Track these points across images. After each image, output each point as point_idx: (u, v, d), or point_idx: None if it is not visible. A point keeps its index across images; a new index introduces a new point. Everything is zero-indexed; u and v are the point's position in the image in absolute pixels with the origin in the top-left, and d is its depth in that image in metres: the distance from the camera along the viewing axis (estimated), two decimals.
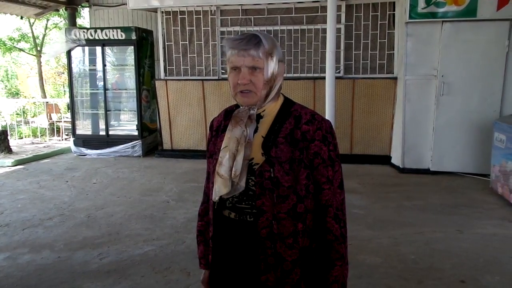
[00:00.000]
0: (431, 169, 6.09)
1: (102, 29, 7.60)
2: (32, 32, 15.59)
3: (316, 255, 1.39)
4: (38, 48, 15.97)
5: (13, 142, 9.11)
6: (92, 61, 7.97)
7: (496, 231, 4.00)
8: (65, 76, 12.93)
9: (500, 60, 5.69)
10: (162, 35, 7.50)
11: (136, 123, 7.82)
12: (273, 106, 1.42)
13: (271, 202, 1.32)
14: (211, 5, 7.16)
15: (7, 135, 8.19)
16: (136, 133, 7.80)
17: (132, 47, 7.56)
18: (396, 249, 3.59)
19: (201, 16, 7.33)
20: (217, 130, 1.51)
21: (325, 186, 1.36)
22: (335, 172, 1.37)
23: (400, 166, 6.27)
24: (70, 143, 8.34)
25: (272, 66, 1.35)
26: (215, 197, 1.37)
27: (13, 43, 16.73)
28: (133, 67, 7.64)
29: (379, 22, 6.78)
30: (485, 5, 5.55)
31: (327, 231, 1.35)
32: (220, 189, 1.35)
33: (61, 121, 10.41)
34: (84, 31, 7.64)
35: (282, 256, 1.34)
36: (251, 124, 1.37)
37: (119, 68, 8.07)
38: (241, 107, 1.40)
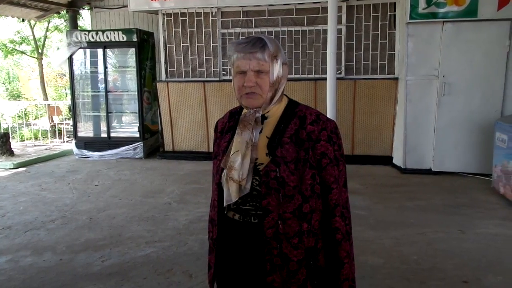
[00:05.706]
0: (432, 169, 6.08)
1: (103, 31, 7.61)
2: (33, 35, 15.60)
3: (322, 255, 1.39)
4: (40, 51, 15.99)
5: (15, 144, 9.14)
6: (94, 63, 7.98)
7: (498, 231, 3.99)
8: (67, 78, 12.92)
9: (501, 60, 5.68)
10: (163, 37, 7.52)
11: (137, 125, 7.83)
12: (277, 107, 1.43)
13: (277, 201, 1.32)
14: (212, 7, 7.17)
15: (8, 137, 8.21)
16: (137, 135, 7.81)
17: (133, 49, 7.57)
18: (398, 250, 3.59)
19: (202, 18, 7.34)
20: (221, 131, 1.52)
21: (333, 186, 1.37)
22: (340, 172, 1.39)
23: (402, 167, 6.26)
24: (72, 145, 8.36)
25: (277, 69, 1.37)
26: (226, 203, 1.38)
27: (14, 46, 16.74)
28: (135, 69, 7.65)
29: (380, 23, 6.78)
30: (485, 5, 5.55)
31: (336, 230, 1.37)
32: (232, 194, 1.35)
33: (62, 123, 10.42)
34: (85, 34, 7.66)
35: (288, 256, 1.34)
36: (257, 126, 1.38)
37: (120, 70, 8.09)
38: (247, 111, 1.41)
